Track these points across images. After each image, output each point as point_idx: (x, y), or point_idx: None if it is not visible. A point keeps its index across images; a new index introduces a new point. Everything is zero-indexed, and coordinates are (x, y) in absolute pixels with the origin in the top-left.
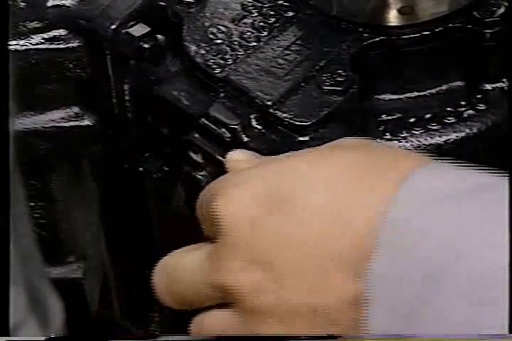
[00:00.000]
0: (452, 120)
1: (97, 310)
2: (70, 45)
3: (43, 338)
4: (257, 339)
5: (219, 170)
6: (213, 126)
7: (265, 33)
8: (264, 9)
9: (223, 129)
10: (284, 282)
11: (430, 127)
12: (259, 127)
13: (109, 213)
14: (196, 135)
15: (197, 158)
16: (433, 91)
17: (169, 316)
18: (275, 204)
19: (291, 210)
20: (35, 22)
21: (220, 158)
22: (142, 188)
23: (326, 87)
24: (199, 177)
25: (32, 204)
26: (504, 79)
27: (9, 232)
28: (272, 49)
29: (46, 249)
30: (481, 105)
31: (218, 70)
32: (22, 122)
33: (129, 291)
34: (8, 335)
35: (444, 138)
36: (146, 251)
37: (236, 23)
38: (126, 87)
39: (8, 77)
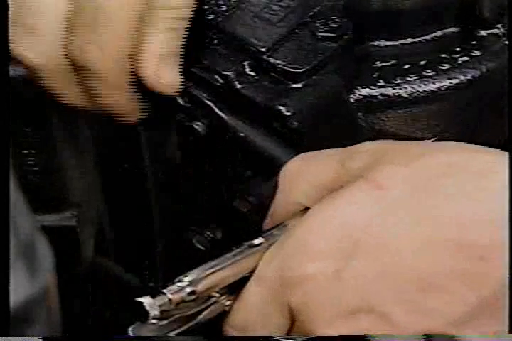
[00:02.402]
0: (447, 66)
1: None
2: None
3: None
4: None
5: (211, 119)
6: (206, 73)
7: None
8: None
9: (216, 76)
10: None
11: (425, 74)
12: (252, 74)
13: (104, 160)
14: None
15: (183, 102)
16: (428, 37)
17: (162, 264)
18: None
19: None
20: None
21: (208, 103)
22: (136, 135)
23: (319, 34)
24: (195, 126)
25: (25, 151)
26: (499, 25)
27: None
28: None
29: (40, 196)
30: (476, 51)
31: (212, 17)
32: (15, 69)
33: (124, 239)
34: (9, 335)
35: (438, 84)
36: (141, 198)
37: None
38: None
39: (9, 79)
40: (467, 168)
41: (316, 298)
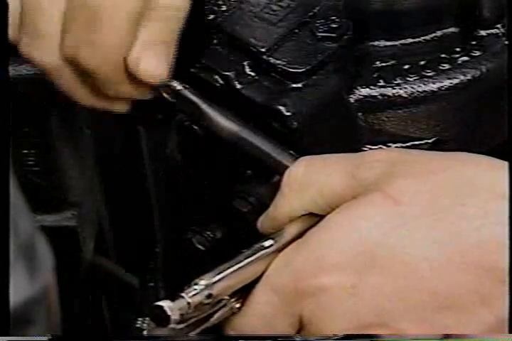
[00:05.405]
0: (447, 66)
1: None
2: None
3: (44, 338)
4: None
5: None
6: (206, 73)
7: None
8: None
9: (216, 76)
10: None
11: (424, 74)
12: (252, 74)
13: (104, 160)
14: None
15: (171, 99)
16: (427, 37)
17: (162, 263)
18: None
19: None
20: None
21: (194, 99)
22: (136, 135)
23: (319, 34)
24: (195, 127)
25: (25, 151)
26: (499, 26)
27: None
28: None
29: (40, 196)
30: (476, 51)
31: (212, 17)
32: (15, 69)
33: (124, 239)
34: (9, 335)
35: (438, 84)
36: (141, 198)
37: None
38: None
39: (9, 79)
40: (488, 188)
41: (330, 311)
